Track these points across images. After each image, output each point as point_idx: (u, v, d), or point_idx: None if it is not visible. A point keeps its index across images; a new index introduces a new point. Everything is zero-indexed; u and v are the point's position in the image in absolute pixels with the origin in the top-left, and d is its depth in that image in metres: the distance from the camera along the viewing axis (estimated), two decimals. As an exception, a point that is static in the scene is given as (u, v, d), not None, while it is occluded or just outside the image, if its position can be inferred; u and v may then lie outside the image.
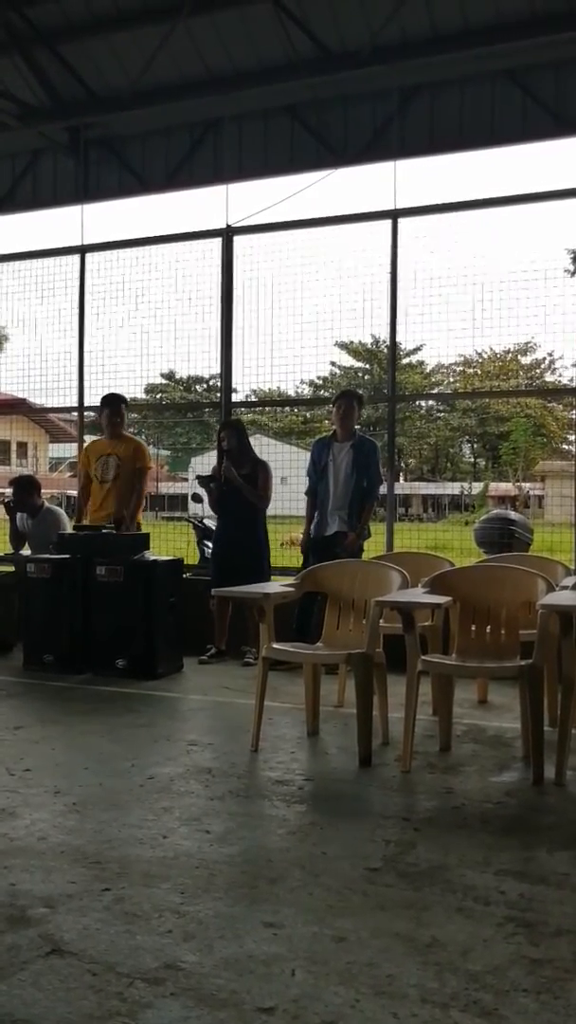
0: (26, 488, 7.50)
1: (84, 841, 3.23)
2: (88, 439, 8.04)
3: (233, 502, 6.80)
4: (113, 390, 7.98)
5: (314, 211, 7.59)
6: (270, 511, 7.00)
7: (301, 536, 6.88)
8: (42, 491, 7.72)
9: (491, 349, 34.23)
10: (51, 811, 3.56)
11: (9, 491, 7.71)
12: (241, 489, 6.73)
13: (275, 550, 7.07)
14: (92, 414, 8.35)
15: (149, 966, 2.35)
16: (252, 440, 7.36)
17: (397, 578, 4.76)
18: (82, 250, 8.40)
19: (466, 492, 34.08)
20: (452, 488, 36.02)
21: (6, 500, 7.61)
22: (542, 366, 36.18)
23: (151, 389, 31.89)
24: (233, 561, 6.68)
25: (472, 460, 43.94)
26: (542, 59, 6.91)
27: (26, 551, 7.49)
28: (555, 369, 34.49)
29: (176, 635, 6.48)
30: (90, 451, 7.28)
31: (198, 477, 7.24)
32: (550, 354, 34.77)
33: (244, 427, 7.17)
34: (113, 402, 7.26)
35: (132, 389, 8.87)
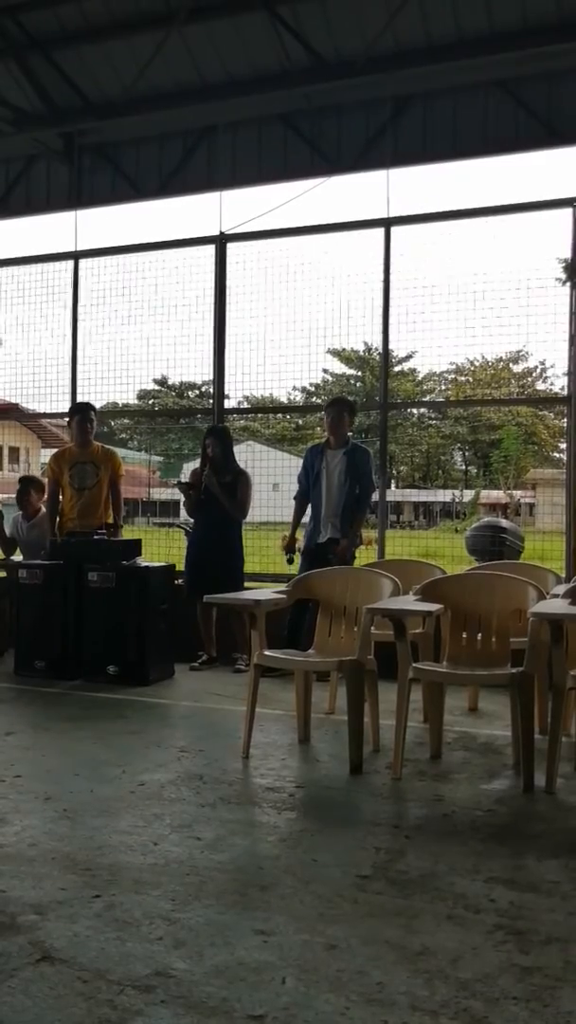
0: (28, 488, 7.52)
1: (74, 848, 3.23)
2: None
3: (211, 508, 6.81)
4: (106, 395, 7.97)
5: (307, 219, 7.64)
6: (262, 517, 7.01)
7: (286, 537, 6.88)
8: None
9: (483, 357, 34.39)
10: (42, 817, 3.55)
11: (10, 495, 7.75)
12: (220, 499, 6.75)
13: (272, 556, 7.08)
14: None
15: (139, 973, 2.35)
16: (245, 446, 7.39)
17: (388, 585, 4.77)
18: (76, 256, 8.41)
19: (457, 500, 34.14)
20: (443, 495, 36.08)
21: None
22: (533, 374, 36.37)
23: (144, 395, 31.95)
24: (206, 566, 6.72)
25: (463, 468, 44.04)
26: (534, 70, 6.96)
27: (17, 557, 7.49)
28: (546, 378, 34.70)
29: (167, 641, 6.48)
30: (60, 459, 7.23)
31: (178, 483, 7.27)
32: (541, 363, 34.99)
33: (230, 435, 7.17)
34: (84, 409, 7.28)
35: (125, 395, 8.88)
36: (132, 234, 8.42)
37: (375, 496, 7.14)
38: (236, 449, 7.17)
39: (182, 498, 7.38)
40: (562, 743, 4.17)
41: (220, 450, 6.85)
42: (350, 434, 6.84)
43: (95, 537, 6.72)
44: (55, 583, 6.48)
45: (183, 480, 7.22)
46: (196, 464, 7.16)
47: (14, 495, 7.73)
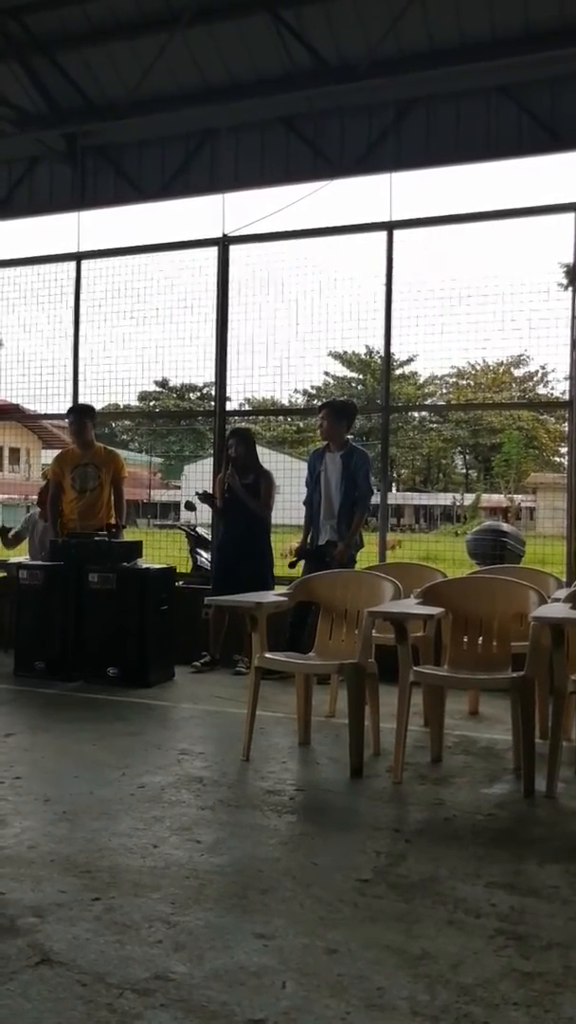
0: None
1: (74, 850, 3.22)
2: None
3: (236, 511, 6.80)
4: (107, 397, 7.97)
5: (310, 222, 7.63)
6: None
7: (296, 544, 6.88)
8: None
9: (484, 361, 34.42)
10: (41, 819, 3.54)
11: (10, 495, 7.78)
12: (242, 498, 6.74)
13: (276, 560, 7.09)
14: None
15: (139, 977, 2.34)
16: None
17: (390, 588, 4.76)
18: (78, 257, 8.41)
19: (458, 503, 34.15)
20: (444, 499, 36.09)
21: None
22: (535, 379, 36.37)
23: (144, 396, 31.94)
24: (235, 569, 6.67)
25: (464, 471, 44.08)
26: (537, 75, 6.96)
27: (18, 557, 7.49)
28: (547, 382, 34.69)
29: (168, 643, 6.47)
30: (62, 461, 7.24)
31: (197, 494, 7.26)
32: (543, 367, 35.00)
33: (252, 437, 7.17)
34: (82, 411, 7.29)
35: (126, 396, 8.89)
36: (134, 235, 8.42)
37: (376, 499, 7.13)
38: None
39: (183, 500, 7.38)
40: (563, 747, 4.16)
41: (243, 451, 6.85)
42: (350, 437, 6.83)
43: (96, 538, 6.71)
44: (55, 584, 6.47)
45: (201, 492, 7.17)
46: (202, 469, 7.16)
47: (12, 495, 7.74)
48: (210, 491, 7.06)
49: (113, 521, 7.08)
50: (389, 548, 7.31)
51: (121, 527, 7.13)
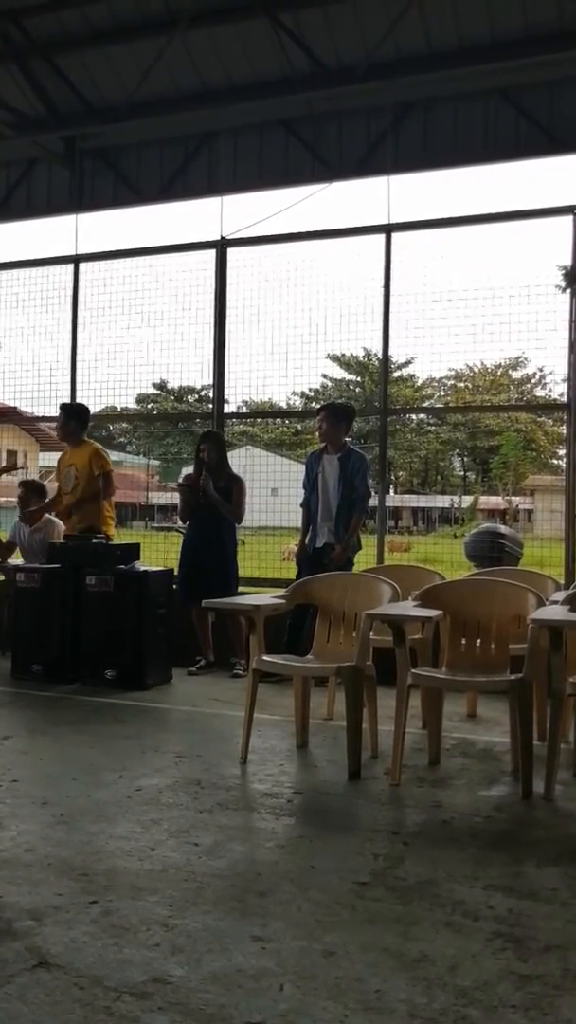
0: (28, 493, 7.50)
1: (71, 853, 3.21)
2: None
3: (205, 513, 6.82)
4: (104, 399, 7.99)
5: (308, 224, 7.66)
6: (261, 521, 7.01)
7: (295, 547, 6.88)
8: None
9: (482, 363, 34.43)
10: (38, 822, 3.53)
11: (10, 498, 7.76)
12: (217, 504, 6.74)
13: (271, 560, 7.09)
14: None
15: (136, 980, 2.34)
16: (244, 451, 7.40)
17: (388, 591, 4.76)
18: (76, 260, 8.43)
19: (456, 505, 34.13)
20: (442, 501, 36.08)
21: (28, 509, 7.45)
22: (532, 381, 36.38)
23: (142, 399, 31.95)
24: (200, 570, 6.71)
25: (462, 473, 44.07)
26: (535, 78, 6.98)
27: (16, 560, 7.48)
28: (545, 384, 34.69)
29: (165, 646, 6.47)
30: (59, 462, 7.28)
31: (178, 484, 7.28)
32: (540, 369, 34.99)
33: (224, 441, 7.19)
34: (63, 409, 7.22)
35: (124, 399, 8.90)
36: (133, 238, 8.44)
37: (374, 501, 7.14)
38: (235, 453, 7.20)
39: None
40: (561, 750, 4.17)
41: (216, 455, 6.85)
42: (348, 439, 6.84)
43: (94, 541, 6.70)
44: (53, 587, 6.46)
45: (180, 482, 7.22)
46: (190, 468, 7.18)
47: (15, 499, 7.73)
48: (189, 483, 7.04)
49: (105, 526, 6.92)
50: (401, 551, 7.32)
51: (94, 528, 6.76)
